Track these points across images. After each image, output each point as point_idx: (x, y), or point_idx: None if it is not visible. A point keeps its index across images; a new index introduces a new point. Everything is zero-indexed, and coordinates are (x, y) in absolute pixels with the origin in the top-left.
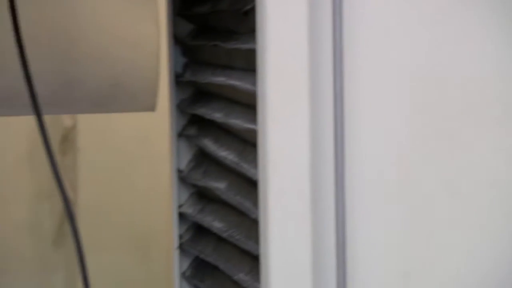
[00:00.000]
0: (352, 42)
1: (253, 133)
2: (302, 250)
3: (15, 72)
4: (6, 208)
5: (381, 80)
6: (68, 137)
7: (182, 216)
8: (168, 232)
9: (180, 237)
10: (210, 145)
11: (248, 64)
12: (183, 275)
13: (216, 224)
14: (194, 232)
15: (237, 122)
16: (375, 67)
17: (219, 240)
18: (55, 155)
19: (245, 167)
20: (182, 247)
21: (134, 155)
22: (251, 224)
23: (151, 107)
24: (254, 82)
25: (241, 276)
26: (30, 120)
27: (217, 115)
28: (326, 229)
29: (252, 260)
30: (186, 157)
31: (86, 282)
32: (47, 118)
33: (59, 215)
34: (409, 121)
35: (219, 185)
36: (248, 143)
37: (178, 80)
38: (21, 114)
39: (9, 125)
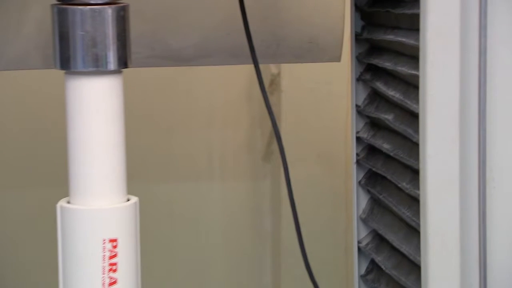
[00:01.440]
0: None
1: (415, 78)
2: (451, 164)
3: (241, 32)
4: (228, 132)
5: None
6: (274, 81)
7: (358, 139)
8: (348, 151)
9: (357, 155)
10: (381, 86)
11: (412, 25)
12: (359, 183)
13: (385, 145)
14: (368, 151)
15: (403, 69)
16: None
17: (387, 157)
18: (266, 93)
19: (408, 103)
20: (358, 162)
21: (323, 95)
22: (412, 145)
23: (337, 58)
24: (416, 39)
25: (403, 184)
26: (249, 68)
27: (387, 64)
28: (470, 147)
29: (412, 172)
30: (362, 96)
31: (289, 187)
32: (260, 67)
33: (267, 137)
34: None
35: (387, 117)
36: (410, 85)
37: (357, 38)
38: (243, 64)
39: (234, 71)
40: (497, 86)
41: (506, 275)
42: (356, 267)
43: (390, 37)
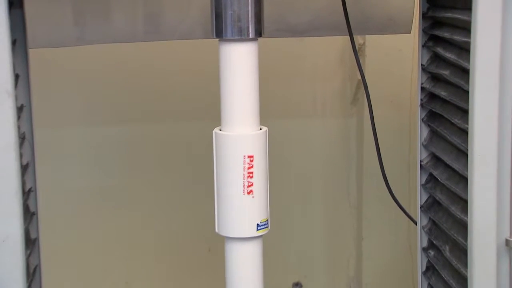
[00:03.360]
0: None
1: (467, 43)
2: (492, 105)
3: (340, 12)
4: (327, 84)
5: None
6: (361, 49)
7: (423, 89)
8: (412, 98)
9: (421, 100)
10: (440, 51)
11: (465, 5)
12: (422, 120)
13: (442, 93)
14: (429, 97)
15: (458, 37)
16: None
17: (444, 101)
18: (358, 55)
19: (461, 62)
20: (422, 105)
21: (395, 58)
22: (463, 92)
23: (408, 31)
24: (469, 15)
25: (456, 120)
26: (342, 39)
27: (446, 34)
28: (507, 93)
29: (462, 112)
30: (426, 58)
31: (373, 122)
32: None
33: (354, 88)
34: None
35: (445, 72)
36: (463, 49)
37: (424, 16)
38: (341, 35)
39: (331, 41)
40: None
41: None
42: (418, 178)
43: (448, 14)
